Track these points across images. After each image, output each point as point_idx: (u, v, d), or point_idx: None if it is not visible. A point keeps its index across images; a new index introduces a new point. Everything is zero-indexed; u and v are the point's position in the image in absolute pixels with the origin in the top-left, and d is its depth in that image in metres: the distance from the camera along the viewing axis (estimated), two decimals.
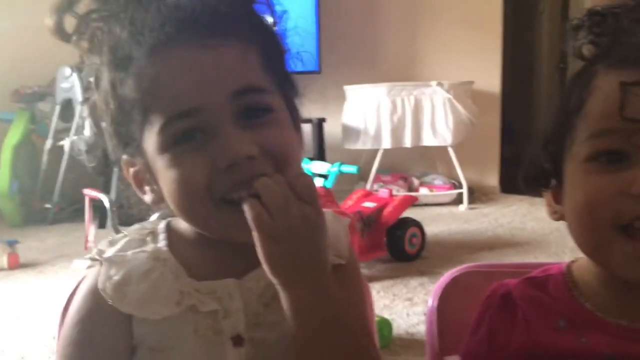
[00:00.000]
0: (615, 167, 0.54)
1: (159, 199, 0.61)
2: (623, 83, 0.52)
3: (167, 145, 0.57)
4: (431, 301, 0.75)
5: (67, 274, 2.62)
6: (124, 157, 0.63)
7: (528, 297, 0.62)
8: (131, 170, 0.63)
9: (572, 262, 0.64)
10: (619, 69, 0.54)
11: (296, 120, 0.65)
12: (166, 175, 0.58)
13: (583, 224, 0.57)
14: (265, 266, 0.56)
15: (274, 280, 0.56)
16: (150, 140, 0.58)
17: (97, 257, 0.63)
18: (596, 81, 0.56)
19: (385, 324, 1.83)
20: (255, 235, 0.54)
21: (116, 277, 0.60)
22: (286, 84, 0.63)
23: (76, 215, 3.69)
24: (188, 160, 0.56)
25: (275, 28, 0.63)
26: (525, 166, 0.64)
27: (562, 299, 0.61)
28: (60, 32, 0.60)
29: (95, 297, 0.61)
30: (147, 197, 0.63)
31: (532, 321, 0.61)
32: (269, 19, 0.63)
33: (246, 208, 0.54)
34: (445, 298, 0.75)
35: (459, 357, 0.65)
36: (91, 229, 2.77)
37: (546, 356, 0.59)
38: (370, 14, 4.32)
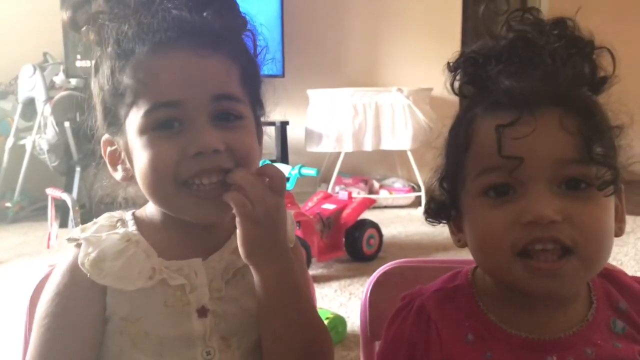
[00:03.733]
0: (504, 199, 0.59)
1: (128, 177, 0.71)
2: (498, 126, 0.57)
3: (148, 128, 0.66)
4: (364, 293, 0.83)
5: (28, 273, 2.62)
6: (105, 136, 0.72)
7: (440, 312, 0.66)
8: (109, 149, 0.72)
9: (476, 268, 0.69)
10: (493, 113, 0.60)
11: (259, 135, 0.75)
12: (141, 155, 0.66)
13: (484, 253, 0.62)
14: (242, 248, 0.66)
15: (248, 261, 0.66)
16: (134, 121, 0.66)
17: (75, 237, 0.70)
18: (476, 124, 0.62)
19: (340, 321, 1.89)
20: (237, 220, 0.65)
21: (93, 254, 0.68)
22: (257, 104, 0.74)
23: (37, 215, 3.68)
24: (162, 144, 0.65)
25: (256, 58, 0.74)
26: (426, 202, 0.69)
27: (470, 311, 0.65)
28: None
29: (73, 273, 0.68)
30: (118, 175, 0.72)
31: (444, 337, 0.64)
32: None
33: (229, 198, 0.64)
34: (377, 290, 0.82)
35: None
36: (54, 228, 2.77)
37: None
38: (333, 21, 4.39)
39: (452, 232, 0.69)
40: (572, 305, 0.64)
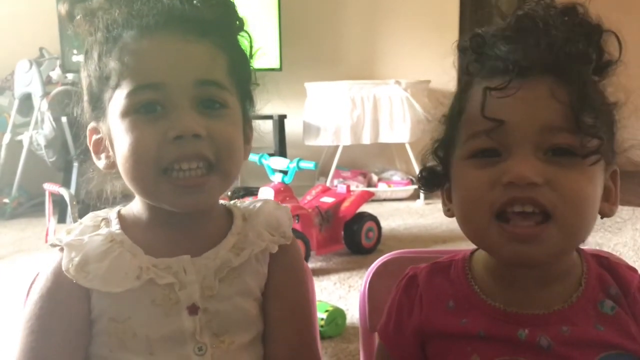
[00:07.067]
0: (488, 161, 0.60)
1: (110, 165, 0.70)
2: (485, 88, 0.59)
3: (130, 110, 0.65)
4: (363, 284, 0.83)
5: (26, 268, 2.62)
6: (91, 124, 0.71)
7: (428, 279, 0.68)
8: (94, 137, 0.71)
9: (476, 249, 0.70)
10: (488, 78, 0.61)
11: (247, 132, 0.74)
12: (122, 138, 0.65)
13: (464, 214, 0.63)
14: None
15: None
16: (117, 103, 0.66)
17: (57, 242, 0.69)
18: (471, 90, 0.63)
19: (340, 314, 1.89)
20: None
21: (76, 259, 0.67)
22: (246, 99, 0.73)
23: (35, 210, 3.67)
24: (144, 127, 0.64)
25: (249, 56, 0.73)
26: (421, 170, 0.71)
27: (458, 282, 0.67)
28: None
29: (57, 277, 0.67)
30: (101, 163, 0.72)
31: (426, 302, 0.67)
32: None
33: None
34: (375, 281, 0.82)
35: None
36: (52, 223, 2.76)
37: (434, 334, 0.65)
38: (331, 13, 4.38)
39: (443, 203, 0.70)
40: (558, 284, 0.64)
